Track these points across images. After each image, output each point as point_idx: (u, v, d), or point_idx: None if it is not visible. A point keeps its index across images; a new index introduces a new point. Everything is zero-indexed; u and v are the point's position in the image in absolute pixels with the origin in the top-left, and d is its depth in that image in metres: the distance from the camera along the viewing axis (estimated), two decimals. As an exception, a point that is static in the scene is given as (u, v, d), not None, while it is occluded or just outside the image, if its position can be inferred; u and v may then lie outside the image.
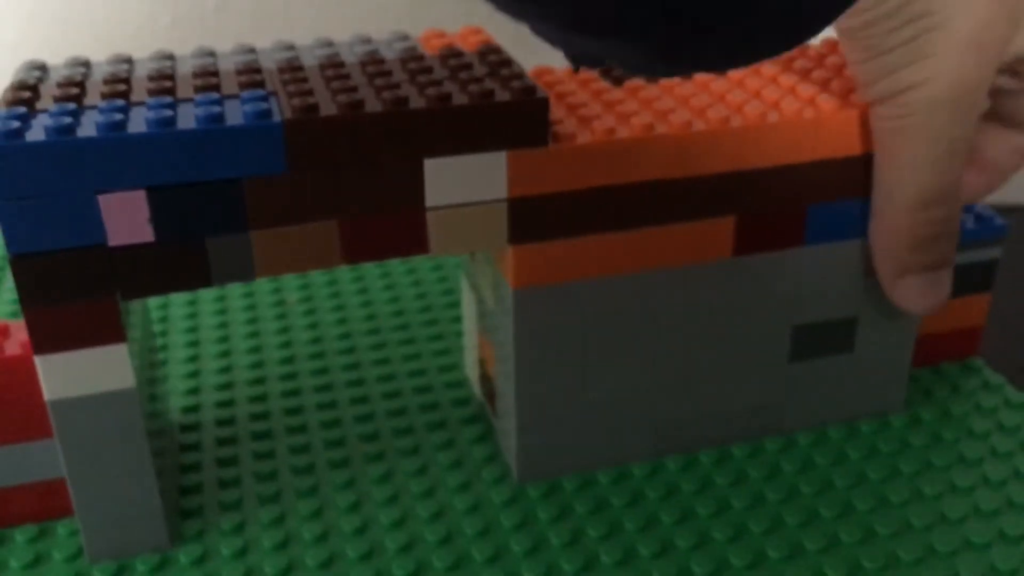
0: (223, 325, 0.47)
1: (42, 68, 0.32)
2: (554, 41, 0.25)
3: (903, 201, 0.33)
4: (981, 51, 0.31)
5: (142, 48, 0.38)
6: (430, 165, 0.30)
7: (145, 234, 0.29)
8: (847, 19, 0.31)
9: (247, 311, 0.48)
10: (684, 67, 0.25)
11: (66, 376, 0.30)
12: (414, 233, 0.31)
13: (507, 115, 0.30)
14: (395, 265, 0.51)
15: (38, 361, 0.29)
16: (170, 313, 0.48)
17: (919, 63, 0.31)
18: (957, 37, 0.31)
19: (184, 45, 0.39)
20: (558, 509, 0.35)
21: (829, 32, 0.41)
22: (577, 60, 0.27)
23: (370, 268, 0.51)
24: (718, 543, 0.33)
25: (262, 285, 0.50)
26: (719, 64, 0.25)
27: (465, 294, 0.39)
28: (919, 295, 0.35)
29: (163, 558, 0.33)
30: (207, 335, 0.46)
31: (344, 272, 0.51)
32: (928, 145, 0.32)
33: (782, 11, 0.22)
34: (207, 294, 0.49)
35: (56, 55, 0.34)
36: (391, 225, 0.31)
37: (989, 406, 0.40)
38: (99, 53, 0.34)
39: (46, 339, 0.29)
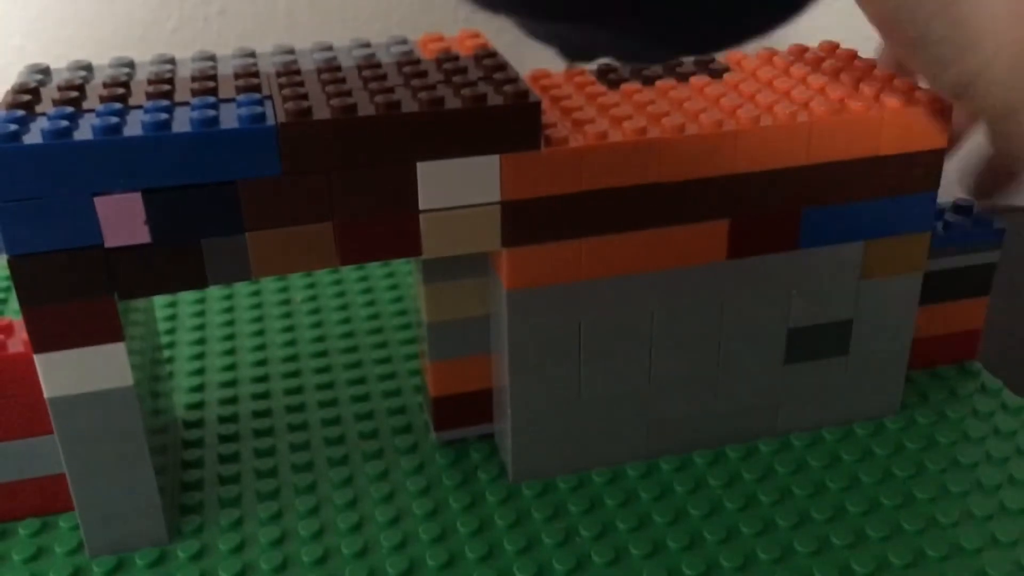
0: (229, 324, 0.47)
1: (44, 71, 0.33)
2: (545, 37, 0.24)
3: None
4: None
5: (147, 52, 0.38)
6: (423, 168, 0.31)
7: (141, 235, 0.29)
8: (877, 6, 0.31)
9: (253, 310, 0.48)
10: (671, 47, 0.24)
11: (65, 374, 0.30)
12: (407, 235, 0.32)
13: (499, 119, 0.31)
14: (400, 265, 0.52)
15: (37, 360, 0.30)
16: (178, 311, 0.48)
17: (969, 51, 0.31)
18: (998, 11, 0.30)
19: (188, 49, 0.40)
20: (552, 508, 0.35)
21: (829, 34, 0.41)
22: (569, 55, 0.27)
23: (375, 268, 0.52)
24: (709, 544, 0.34)
25: (269, 284, 0.50)
26: (708, 43, 0.24)
27: None
28: None
29: (162, 553, 0.33)
30: (213, 333, 0.46)
31: (349, 272, 0.51)
32: None
33: None
34: (215, 293, 0.50)
35: (62, 59, 0.34)
36: (385, 227, 0.31)
37: (986, 410, 0.39)
38: (104, 57, 0.34)
39: (45, 338, 0.30)
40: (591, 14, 0.21)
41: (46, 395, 0.31)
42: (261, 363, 0.44)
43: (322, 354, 0.45)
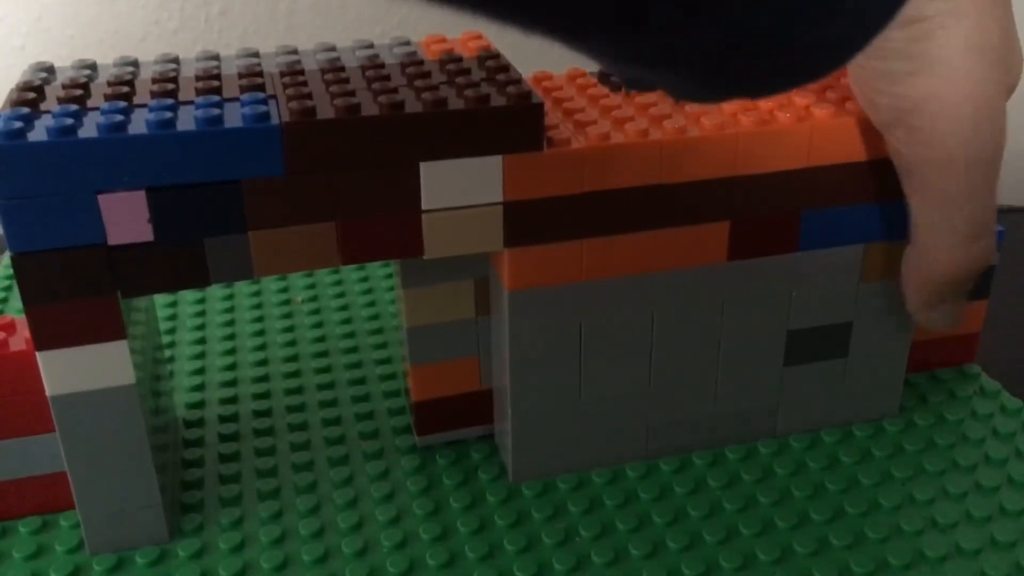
0: (230, 323, 0.47)
1: (49, 70, 0.33)
2: (608, 68, 0.24)
3: (952, 239, 0.32)
4: (983, 56, 0.30)
5: (148, 53, 0.38)
6: (426, 168, 0.31)
7: (145, 234, 0.29)
8: None
9: (254, 310, 0.48)
10: (730, 93, 0.24)
11: (67, 372, 0.30)
12: (410, 235, 0.32)
13: (502, 120, 0.31)
14: (400, 266, 0.52)
15: (40, 357, 0.30)
16: (179, 311, 0.48)
17: (922, 73, 0.30)
18: (955, 42, 0.29)
19: (190, 50, 0.40)
20: (552, 508, 0.35)
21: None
22: (629, 85, 0.27)
23: (376, 268, 0.52)
24: (709, 545, 0.34)
25: (269, 284, 0.51)
26: (764, 90, 0.24)
27: None
28: (952, 319, 0.35)
29: (162, 551, 0.34)
30: (214, 332, 0.47)
31: (350, 272, 0.51)
32: (965, 173, 0.31)
33: (818, 43, 0.22)
34: (216, 293, 0.50)
35: (63, 60, 0.34)
36: (388, 227, 0.31)
37: (984, 412, 0.40)
38: (105, 58, 0.35)
39: (47, 336, 0.30)
40: (659, 63, 0.21)
41: (48, 393, 0.31)
42: (262, 363, 0.44)
43: (323, 354, 0.45)
